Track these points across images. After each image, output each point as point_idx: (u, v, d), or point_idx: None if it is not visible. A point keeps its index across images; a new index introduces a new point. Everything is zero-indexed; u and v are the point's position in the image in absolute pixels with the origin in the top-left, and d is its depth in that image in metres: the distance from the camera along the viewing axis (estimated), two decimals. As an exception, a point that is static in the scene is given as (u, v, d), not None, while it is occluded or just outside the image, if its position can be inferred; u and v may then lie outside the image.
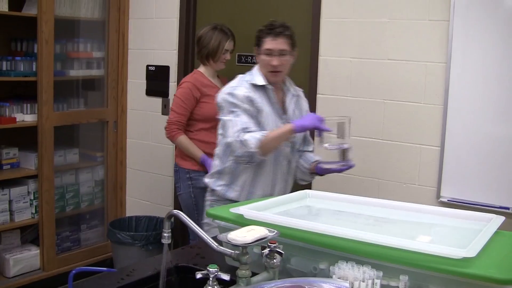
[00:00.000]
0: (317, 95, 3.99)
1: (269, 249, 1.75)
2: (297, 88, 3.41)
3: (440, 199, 3.56)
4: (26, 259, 4.42)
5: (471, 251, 1.67)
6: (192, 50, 4.70)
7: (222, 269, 1.67)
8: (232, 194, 3.25)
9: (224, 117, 3.15)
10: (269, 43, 3.14)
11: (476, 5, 3.37)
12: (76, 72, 4.82)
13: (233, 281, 1.69)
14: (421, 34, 3.58)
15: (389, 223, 2.22)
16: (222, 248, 1.72)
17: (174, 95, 4.01)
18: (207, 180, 3.36)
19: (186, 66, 4.70)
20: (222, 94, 3.19)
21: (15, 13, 4.30)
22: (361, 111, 3.82)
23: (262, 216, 2.08)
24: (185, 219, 1.75)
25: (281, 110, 3.25)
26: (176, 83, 4.71)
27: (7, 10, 4.16)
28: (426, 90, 3.59)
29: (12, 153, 4.39)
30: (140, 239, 4.37)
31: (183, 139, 3.94)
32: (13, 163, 4.43)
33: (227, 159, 3.23)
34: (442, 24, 3.49)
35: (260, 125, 3.13)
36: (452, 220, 2.18)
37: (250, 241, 1.67)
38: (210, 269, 1.65)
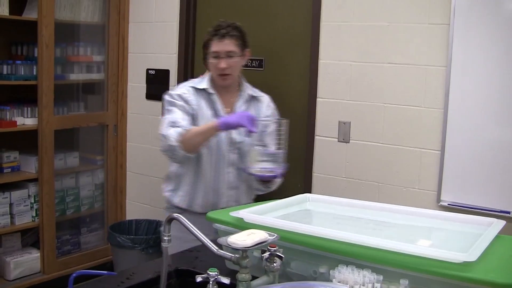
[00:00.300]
0: (317, 99, 3.99)
1: (269, 252, 1.75)
2: (259, 93, 3.32)
3: (441, 203, 3.56)
4: (26, 262, 4.42)
5: (471, 256, 1.67)
6: (192, 54, 4.71)
7: (222, 273, 1.67)
8: (176, 199, 3.21)
9: (164, 114, 3.12)
10: (216, 45, 3.06)
11: (476, 9, 3.37)
12: (76, 76, 4.83)
13: (233, 285, 1.69)
14: (421, 38, 3.58)
15: (389, 227, 2.22)
16: (222, 251, 1.72)
17: None
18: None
19: (186, 70, 4.70)
20: (164, 96, 3.20)
21: (16, 17, 4.30)
22: (361, 115, 3.82)
23: (262, 219, 2.08)
24: (185, 223, 1.75)
25: (226, 113, 3.15)
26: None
27: (7, 14, 4.16)
28: (426, 94, 3.59)
29: (12, 157, 4.39)
30: (140, 242, 4.36)
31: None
32: (14, 166, 4.43)
33: (172, 163, 3.20)
34: (443, 27, 3.49)
35: (195, 125, 3.06)
36: (453, 224, 2.17)
37: (250, 245, 1.67)
38: (210, 273, 1.65)
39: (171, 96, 3.11)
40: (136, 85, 5.01)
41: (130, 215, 5.14)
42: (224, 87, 3.14)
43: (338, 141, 3.92)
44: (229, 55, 3.06)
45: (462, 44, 3.43)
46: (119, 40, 4.96)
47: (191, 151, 2.97)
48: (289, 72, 4.20)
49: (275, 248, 1.75)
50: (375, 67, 3.75)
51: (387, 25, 3.69)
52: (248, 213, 2.13)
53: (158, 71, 4.85)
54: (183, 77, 4.66)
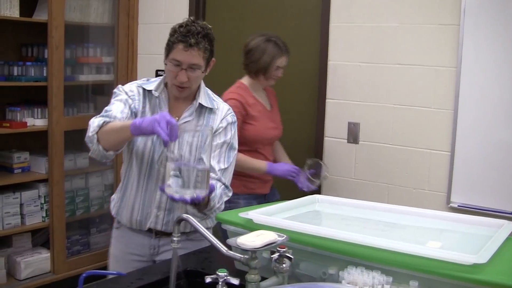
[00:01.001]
0: (326, 100, 3.98)
1: (278, 253, 1.75)
2: (217, 103, 2.79)
3: (450, 204, 3.55)
4: (36, 262, 4.43)
5: (482, 257, 1.67)
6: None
7: (231, 274, 1.67)
8: (111, 204, 2.82)
9: None
10: (179, 53, 2.53)
11: (486, 9, 3.36)
12: (86, 77, 4.84)
13: (242, 286, 1.69)
14: (431, 39, 3.57)
15: (398, 228, 2.21)
16: (231, 252, 1.72)
17: None
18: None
19: (195, 71, 4.69)
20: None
21: (26, 19, 4.32)
22: (371, 116, 3.81)
23: (271, 220, 2.08)
24: (195, 224, 1.75)
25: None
26: (185, 88, 4.71)
27: (18, 16, 4.18)
28: (436, 95, 3.58)
29: (23, 157, 4.41)
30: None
31: (240, 157, 3.41)
32: (24, 167, 4.44)
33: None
34: (452, 28, 3.48)
35: None
36: (463, 225, 2.17)
37: (259, 246, 1.67)
38: (220, 274, 1.65)
39: (118, 89, 2.70)
40: (146, 86, 5.01)
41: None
42: (177, 97, 2.68)
43: (348, 142, 3.92)
44: (192, 67, 2.55)
45: (472, 45, 3.42)
46: (128, 41, 4.97)
47: (107, 148, 2.48)
48: (298, 73, 4.19)
49: (284, 249, 1.75)
50: (384, 68, 3.74)
51: (397, 26, 3.68)
52: (257, 214, 2.13)
53: (167, 72, 4.85)
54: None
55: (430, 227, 2.20)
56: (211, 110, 2.72)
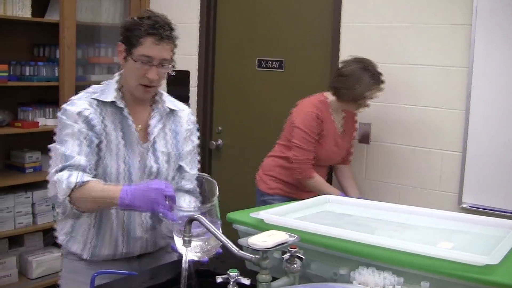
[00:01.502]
0: (338, 100, 3.98)
1: (289, 254, 1.75)
2: (178, 105, 2.56)
3: (462, 205, 3.53)
4: (48, 261, 4.44)
5: (493, 258, 1.66)
6: (213, 55, 4.72)
7: (242, 274, 1.67)
8: (74, 246, 2.40)
9: (55, 141, 2.30)
10: (150, 48, 2.26)
11: (498, 9, 3.35)
12: (97, 77, 4.84)
13: (253, 286, 1.69)
14: (443, 39, 3.56)
15: (410, 229, 2.21)
16: (242, 252, 1.72)
17: (294, 125, 3.53)
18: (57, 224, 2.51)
19: (206, 71, 4.71)
20: (60, 110, 2.35)
21: (38, 19, 4.34)
22: (382, 116, 3.81)
23: (282, 221, 2.08)
24: (206, 224, 1.75)
25: (142, 134, 2.39)
26: (196, 88, 4.73)
27: (30, 16, 4.20)
28: (447, 95, 3.57)
29: (35, 157, 4.43)
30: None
31: (317, 178, 3.49)
32: (36, 166, 4.46)
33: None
34: (464, 28, 3.47)
35: (101, 157, 2.29)
36: (474, 226, 2.16)
37: (270, 246, 1.67)
38: (231, 274, 1.65)
39: (67, 114, 2.27)
40: (157, 86, 5.02)
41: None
42: (139, 99, 2.40)
43: (359, 142, 3.91)
44: (162, 63, 2.30)
45: (484, 45, 3.40)
46: (140, 41, 4.98)
47: (84, 211, 2.23)
48: (310, 73, 4.19)
49: (295, 249, 1.75)
50: (396, 68, 3.73)
51: (408, 26, 3.67)
52: (268, 214, 2.13)
53: (178, 72, 4.86)
54: (203, 78, 4.68)
55: (442, 227, 2.19)
56: (174, 113, 2.51)
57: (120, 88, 2.38)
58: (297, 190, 3.59)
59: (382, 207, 2.44)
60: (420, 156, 3.69)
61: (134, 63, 2.26)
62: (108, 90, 2.35)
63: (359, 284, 1.69)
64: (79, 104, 2.29)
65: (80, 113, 2.26)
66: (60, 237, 2.43)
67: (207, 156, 4.79)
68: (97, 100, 2.32)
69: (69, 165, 2.19)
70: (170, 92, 4.88)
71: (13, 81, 4.22)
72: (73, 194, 2.14)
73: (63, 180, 2.15)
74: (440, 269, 1.69)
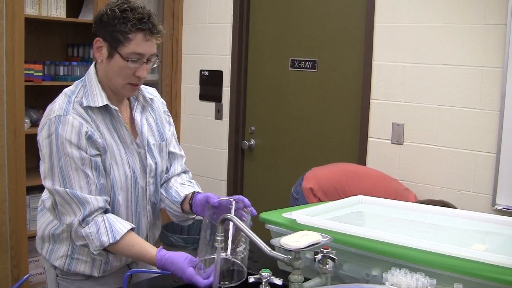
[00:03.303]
0: (371, 101, 3.96)
1: (322, 254, 1.75)
2: (148, 90, 2.41)
3: (496, 206, 3.49)
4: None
5: (528, 261, 1.64)
6: (246, 55, 4.73)
7: (275, 274, 1.67)
8: (79, 267, 2.26)
9: (53, 177, 2.10)
10: (140, 45, 2.10)
11: (534, 9, 3.31)
12: (131, 77, 4.90)
13: (285, 286, 1.70)
14: (477, 39, 3.53)
15: (443, 230, 2.20)
16: (275, 252, 1.72)
17: None
18: (39, 249, 2.35)
19: (239, 71, 4.72)
20: (43, 131, 2.11)
21: (72, 19, 4.39)
22: (415, 117, 3.78)
23: (315, 221, 2.08)
24: (239, 224, 1.76)
25: (131, 131, 2.26)
26: (229, 88, 4.75)
27: (64, 16, 4.25)
28: (481, 96, 3.53)
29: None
30: (192, 242, 4.39)
31: None
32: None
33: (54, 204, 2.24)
34: (499, 28, 3.43)
35: (107, 170, 2.16)
36: (508, 228, 2.14)
37: (303, 246, 1.67)
38: (263, 274, 1.66)
39: (64, 144, 2.06)
40: (190, 86, 5.06)
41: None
42: (125, 97, 2.28)
43: (392, 143, 3.89)
44: (150, 59, 2.16)
45: (519, 45, 3.36)
46: (173, 41, 5.02)
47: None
48: (343, 74, 4.18)
49: (328, 250, 1.75)
50: (429, 68, 3.71)
51: (442, 25, 3.64)
52: (301, 214, 2.13)
53: (211, 72, 4.88)
54: (236, 78, 4.69)
55: (475, 229, 2.17)
56: (150, 101, 2.38)
57: (103, 89, 2.20)
58: None
59: (415, 208, 2.43)
60: (453, 157, 3.66)
61: (122, 61, 2.10)
62: (92, 93, 2.17)
63: (391, 285, 1.68)
64: (71, 121, 2.08)
65: (78, 134, 2.07)
66: (57, 262, 2.27)
67: (240, 156, 4.81)
68: (89, 108, 2.15)
69: (90, 213, 2.06)
70: (203, 91, 4.96)
71: (48, 81, 4.27)
72: (107, 248, 2.08)
73: (92, 236, 2.06)
74: (473, 271, 1.67)
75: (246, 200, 2.09)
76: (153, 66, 2.20)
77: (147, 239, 2.36)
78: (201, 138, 5.01)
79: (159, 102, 2.44)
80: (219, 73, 4.82)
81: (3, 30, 3.83)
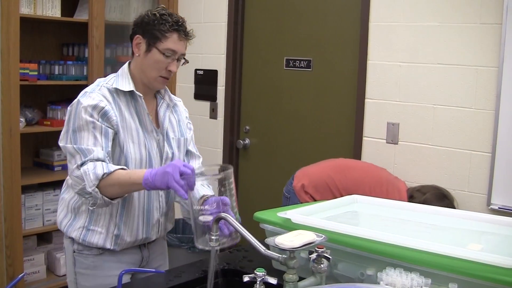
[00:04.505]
0: (366, 100, 3.96)
1: (316, 254, 1.75)
2: (173, 96, 2.69)
3: (491, 206, 3.50)
4: (76, 259, 4.49)
5: (523, 260, 1.64)
6: (241, 55, 4.73)
7: (269, 273, 1.67)
8: (94, 238, 2.46)
9: (66, 137, 2.36)
10: (175, 43, 2.42)
11: (529, 9, 3.31)
12: (126, 76, 4.89)
13: (280, 285, 1.69)
14: (472, 38, 3.53)
15: (438, 230, 2.20)
16: (269, 252, 1.72)
17: None
18: (59, 224, 2.58)
19: (234, 70, 4.72)
20: (72, 103, 2.40)
21: (67, 19, 4.38)
22: (410, 116, 3.78)
23: (309, 220, 2.08)
24: (233, 223, 1.76)
25: (153, 123, 2.51)
26: (224, 87, 4.74)
27: (59, 16, 4.24)
28: (477, 95, 3.53)
29: (63, 155, 4.46)
30: (187, 241, 4.39)
31: None
32: (64, 164, 4.48)
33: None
34: (494, 27, 3.43)
35: (121, 146, 2.38)
36: (503, 228, 2.14)
37: (297, 246, 1.67)
38: (258, 273, 1.65)
39: (80, 107, 2.34)
40: (185, 85, 5.05)
41: (177, 214, 5.17)
42: (150, 90, 2.54)
43: (387, 142, 3.89)
44: (180, 58, 2.49)
45: (514, 45, 3.37)
46: (168, 40, 5.01)
47: (112, 197, 2.29)
48: (338, 73, 4.18)
49: (322, 249, 1.75)
50: (424, 67, 3.71)
51: (437, 25, 3.64)
52: (296, 213, 2.13)
53: (206, 71, 4.88)
54: (231, 77, 4.69)
55: (470, 229, 2.17)
56: (174, 103, 2.67)
57: (134, 79, 2.48)
58: None
59: (410, 207, 2.43)
60: (448, 156, 3.66)
61: (159, 55, 2.40)
62: (122, 80, 2.45)
63: (386, 285, 1.68)
64: (93, 96, 2.36)
65: (95, 106, 2.32)
66: (74, 233, 2.47)
67: (235, 155, 4.80)
68: (111, 90, 2.41)
69: (90, 159, 2.26)
70: (198, 90, 4.95)
71: (43, 80, 4.27)
72: (101, 183, 2.23)
73: (89, 171, 2.23)
74: (469, 270, 1.67)
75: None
76: (182, 64, 2.52)
77: (158, 225, 2.56)
78: (196, 137, 4.96)
79: (183, 108, 2.73)
80: (214, 72, 4.82)
81: (-2, 29, 3.83)
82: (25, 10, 4.02)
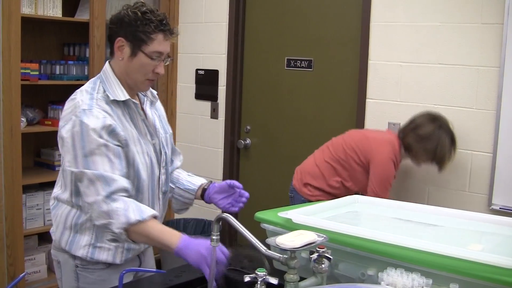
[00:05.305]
0: (367, 100, 3.96)
1: (317, 254, 1.75)
2: (152, 90, 2.56)
3: (492, 206, 3.50)
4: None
5: (524, 260, 1.64)
6: (241, 54, 4.73)
7: (270, 273, 1.67)
8: (102, 255, 2.33)
9: (76, 162, 2.16)
10: (161, 44, 2.27)
11: (530, 9, 3.31)
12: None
13: (281, 285, 1.69)
14: (473, 38, 3.53)
15: (439, 230, 2.19)
16: (270, 252, 1.72)
17: (374, 164, 3.47)
18: (57, 241, 2.39)
19: (235, 70, 4.72)
20: (67, 125, 2.19)
21: (68, 18, 4.39)
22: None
23: (310, 220, 2.08)
24: (234, 223, 1.76)
25: (147, 126, 2.39)
26: (225, 87, 4.74)
27: (60, 16, 4.24)
28: (478, 95, 3.53)
29: (64, 155, 4.47)
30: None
31: None
32: (65, 164, 4.51)
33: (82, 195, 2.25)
34: (496, 27, 3.43)
35: (130, 162, 2.26)
36: (504, 228, 2.14)
37: (298, 246, 1.67)
38: (259, 273, 1.65)
39: (89, 132, 2.15)
40: (186, 85, 5.05)
41: (178, 214, 5.18)
42: (136, 92, 2.43)
43: (387, 142, 3.89)
44: (166, 58, 2.35)
45: (515, 45, 3.37)
46: (169, 40, 5.01)
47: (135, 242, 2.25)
48: (339, 73, 4.18)
49: (323, 249, 1.75)
50: (425, 67, 3.71)
51: (439, 25, 3.64)
52: (297, 213, 2.13)
53: (207, 71, 4.88)
54: (232, 77, 4.69)
55: (471, 229, 2.17)
56: (154, 98, 2.55)
57: (122, 85, 2.33)
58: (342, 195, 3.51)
59: (410, 207, 2.42)
60: (449, 156, 3.66)
61: (145, 59, 2.26)
62: (113, 87, 2.29)
63: (387, 285, 1.68)
64: (96, 113, 2.18)
65: (103, 126, 2.16)
66: (80, 252, 2.32)
67: (235, 155, 4.80)
68: (107, 101, 2.26)
69: (116, 190, 2.13)
70: (199, 90, 4.95)
71: (44, 79, 4.27)
72: (131, 230, 2.11)
73: (120, 211, 2.10)
74: (469, 271, 1.67)
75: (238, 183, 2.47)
76: (166, 64, 2.36)
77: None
78: (197, 137, 5.01)
79: (160, 104, 2.62)
80: (215, 72, 4.82)
81: (-1, 29, 3.83)
82: (26, 10, 4.02)
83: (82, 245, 2.32)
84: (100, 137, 2.15)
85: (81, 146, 2.14)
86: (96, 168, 2.13)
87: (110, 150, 2.17)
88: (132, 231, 2.12)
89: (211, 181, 2.61)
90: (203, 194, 2.58)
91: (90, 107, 2.19)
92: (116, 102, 2.27)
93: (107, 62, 2.38)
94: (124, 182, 2.16)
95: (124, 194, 2.15)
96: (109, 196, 2.11)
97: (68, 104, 2.27)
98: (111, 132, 2.18)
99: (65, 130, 2.19)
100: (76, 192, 2.27)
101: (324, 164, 3.61)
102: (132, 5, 2.30)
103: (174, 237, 2.10)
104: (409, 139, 3.48)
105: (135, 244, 2.34)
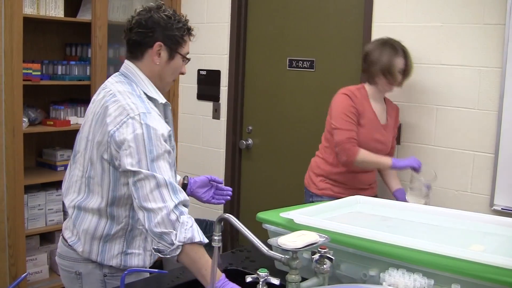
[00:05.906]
0: (368, 100, 3.96)
1: (319, 254, 1.75)
2: None
3: (494, 207, 3.49)
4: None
5: (526, 261, 1.64)
6: (243, 55, 4.73)
7: (272, 274, 1.67)
8: (134, 261, 2.34)
9: (140, 165, 2.07)
10: (189, 45, 2.39)
11: (532, 10, 3.31)
12: (129, 76, 4.89)
13: (282, 286, 1.69)
14: (475, 38, 3.52)
15: (441, 230, 2.20)
16: (272, 252, 1.72)
17: (331, 110, 3.56)
18: (85, 252, 2.31)
19: (237, 71, 4.72)
20: (128, 128, 2.11)
21: (70, 19, 4.39)
22: (413, 117, 3.78)
23: (312, 221, 2.08)
24: (236, 223, 1.76)
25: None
26: (227, 88, 4.75)
27: (62, 16, 4.25)
28: (480, 96, 3.53)
29: (66, 155, 4.47)
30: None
31: (364, 152, 3.37)
32: (67, 164, 4.48)
33: (124, 213, 2.28)
34: (498, 28, 3.43)
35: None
36: (506, 229, 2.14)
37: (300, 246, 1.67)
38: (260, 273, 1.66)
39: (159, 137, 2.11)
40: (188, 85, 5.05)
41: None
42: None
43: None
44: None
45: (517, 45, 3.36)
46: (171, 41, 5.01)
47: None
48: (341, 73, 4.18)
49: (325, 250, 1.75)
50: (427, 68, 3.70)
51: (441, 25, 3.64)
52: (298, 214, 2.13)
53: (209, 71, 4.88)
54: (234, 77, 4.69)
55: (473, 230, 2.17)
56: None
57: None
58: (347, 189, 3.49)
59: (412, 208, 2.42)
60: (451, 157, 3.66)
61: (180, 60, 2.33)
62: (150, 90, 2.28)
63: (389, 285, 1.68)
64: (157, 118, 2.16)
65: (167, 129, 2.16)
66: (113, 261, 2.29)
67: (237, 156, 4.80)
68: (155, 104, 2.26)
69: (182, 201, 2.08)
70: (201, 91, 4.95)
71: (46, 80, 4.27)
72: (187, 246, 2.01)
73: (187, 227, 2.02)
74: (471, 271, 1.67)
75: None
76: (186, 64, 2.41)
77: None
78: (199, 138, 5.01)
79: None
80: (217, 73, 4.82)
81: (1, 29, 3.82)
82: (28, 10, 4.03)
83: (114, 254, 2.29)
84: (166, 142, 2.13)
85: (149, 150, 2.08)
86: (162, 173, 2.07)
87: (171, 157, 2.16)
88: (186, 249, 2.01)
89: (186, 176, 2.65)
90: (184, 188, 2.57)
91: (148, 110, 2.15)
92: (155, 105, 2.27)
93: (130, 63, 2.33)
94: (185, 196, 2.11)
95: (186, 207, 2.10)
96: (177, 207, 2.04)
97: (114, 107, 2.18)
98: (169, 137, 2.18)
99: (126, 134, 2.09)
100: (113, 202, 2.23)
101: (322, 150, 3.66)
102: (157, 7, 2.30)
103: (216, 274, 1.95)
104: (363, 66, 3.57)
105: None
